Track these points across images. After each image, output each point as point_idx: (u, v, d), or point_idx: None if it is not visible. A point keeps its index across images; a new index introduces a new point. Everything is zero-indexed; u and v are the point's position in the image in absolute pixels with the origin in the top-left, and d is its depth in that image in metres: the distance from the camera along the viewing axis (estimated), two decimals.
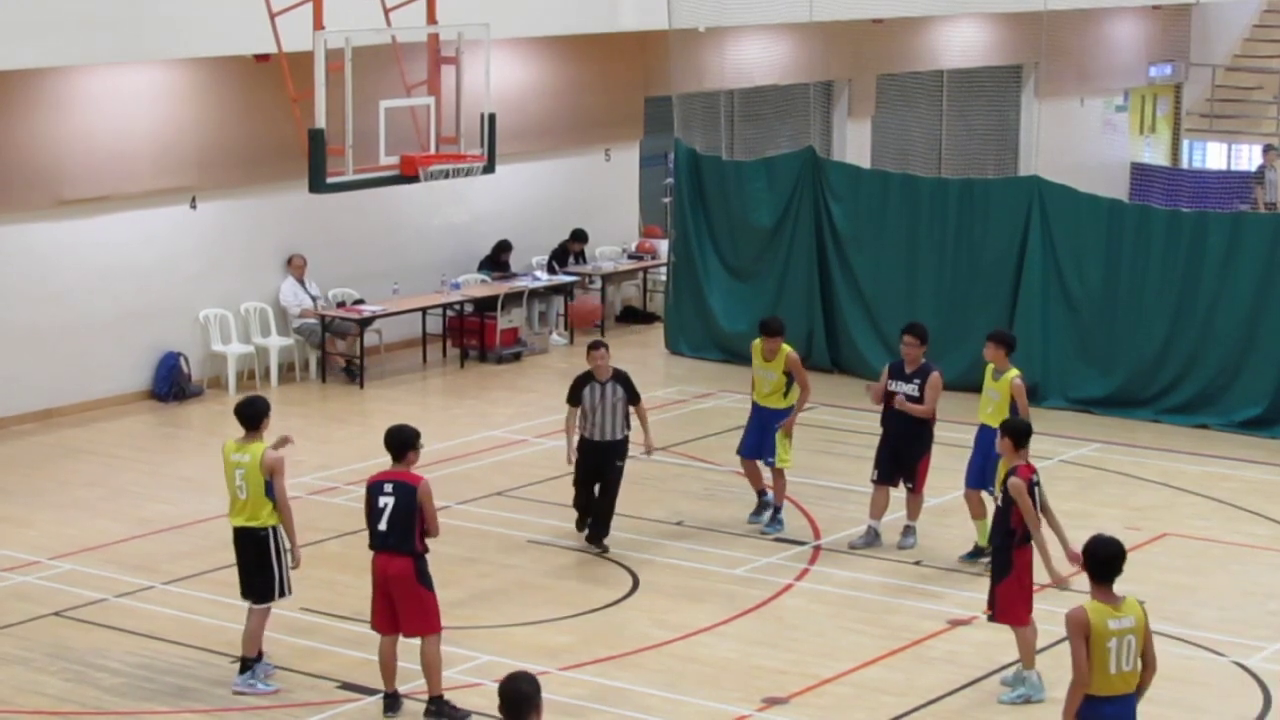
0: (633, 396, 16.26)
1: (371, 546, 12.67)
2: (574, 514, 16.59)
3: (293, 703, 13.06)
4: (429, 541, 12.66)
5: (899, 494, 16.55)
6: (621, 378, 16.25)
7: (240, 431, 13.40)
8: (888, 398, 16.29)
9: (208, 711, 12.95)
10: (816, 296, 23.38)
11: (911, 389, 16.17)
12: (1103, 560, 10.10)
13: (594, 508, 16.33)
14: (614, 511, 16.36)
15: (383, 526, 12.53)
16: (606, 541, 16.31)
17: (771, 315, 17.89)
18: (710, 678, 13.60)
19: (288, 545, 13.22)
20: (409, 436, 12.77)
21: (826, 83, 30.50)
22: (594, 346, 16.30)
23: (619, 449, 16.22)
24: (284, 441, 13.36)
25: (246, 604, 13.37)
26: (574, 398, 16.20)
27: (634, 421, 16.35)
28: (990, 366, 15.96)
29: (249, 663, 13.23)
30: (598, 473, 16.22)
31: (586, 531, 16.42)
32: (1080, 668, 10.04)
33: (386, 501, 12.53)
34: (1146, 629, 10.15)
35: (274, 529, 13.17)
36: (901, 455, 16.29)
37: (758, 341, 16.99)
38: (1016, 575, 13.05)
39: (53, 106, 20.50)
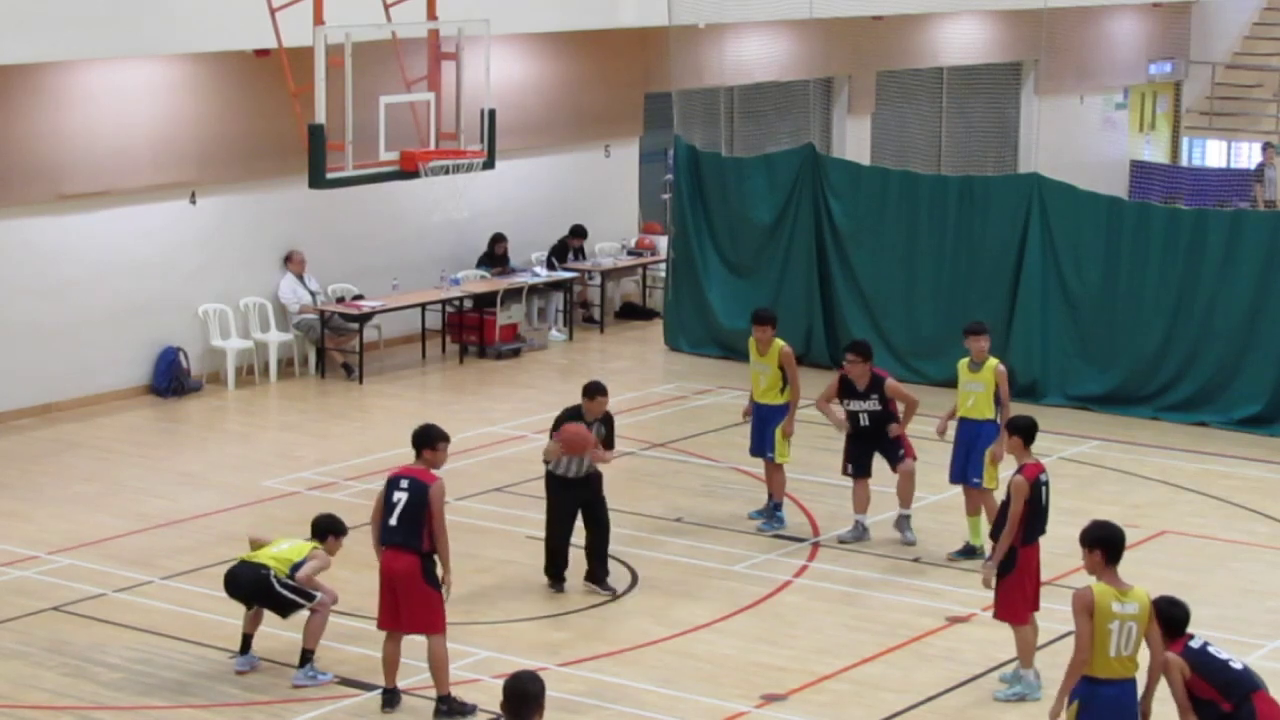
0: (610, 442, 15.48)
1: (381, 541, 12.68)
2: None
3: (291, 698, 13.06)
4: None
5: (881, 488, 16.54)
6: (608, 420, 15.53)
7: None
8: (853, 418, 16.39)
9: (206, 706, 12.95)
10: (816, 293, 23.38)
11: (872, 404, 16.25)
12: (1106, 541, 10.33)
13: (595, 545, 15.43)
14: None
15: (393, 521, 12.54)
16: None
17: (763, 307, 17.76)
18: (709, 674, 13.60)
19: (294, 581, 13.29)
20: (428, 433, 12.72)
21: (826, 79, 30.49)
22: (601, 391, 15.36)
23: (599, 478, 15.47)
24: None
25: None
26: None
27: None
28: (965, 360, 16.03)
29: (308, 655, 13.30)
30: (586, 508, 15.34)
31: (585, 572, 15.41)
32: (1083, 646, 10.22)
33: (400, 497, 12.56)
34: (1150, 622, 10.30)
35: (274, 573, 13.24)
36: (880, 441, 16.36)
37: (752, 338, 17.01)
38: (1019, 574, 13.04)
39: (53, 101, 20.49)
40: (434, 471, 12.65)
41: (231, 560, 13.76)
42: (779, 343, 16.82)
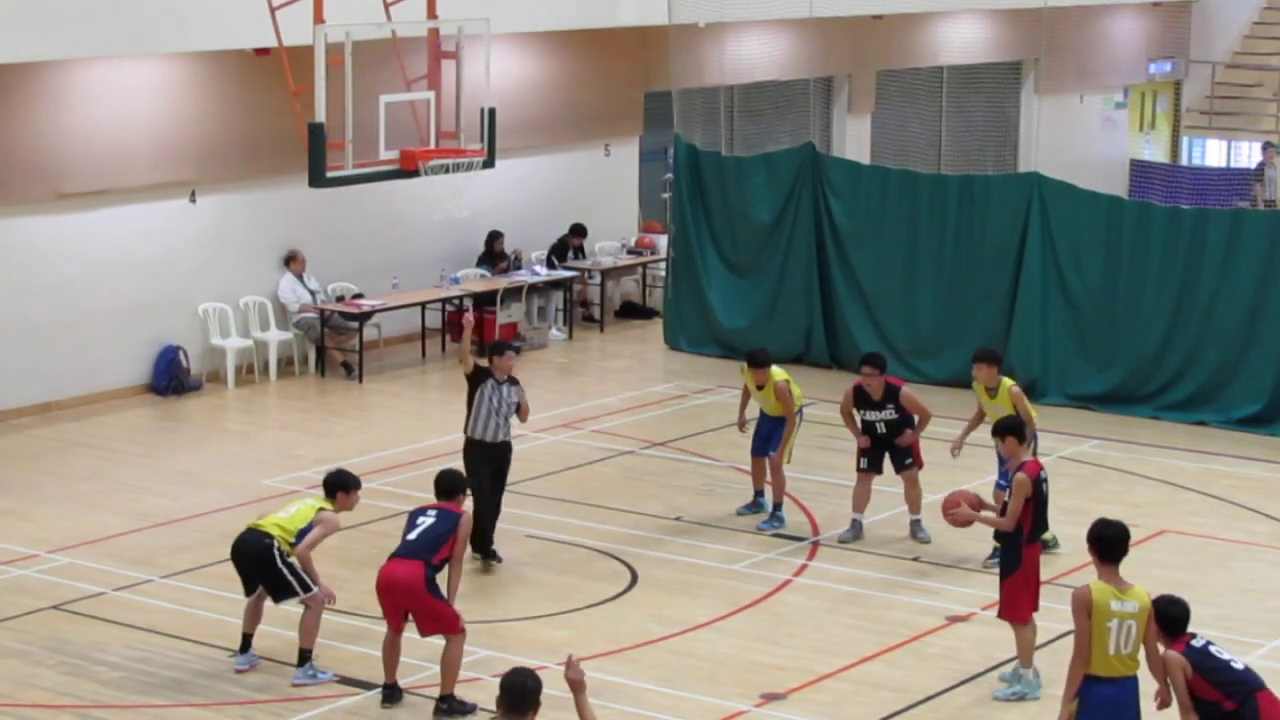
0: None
1: (392, 553, 12.75)
2: (576, 509, 16.49)
3: (291, 697, 13.07)
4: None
5: (882, 488, 16.54)
6: (515, 381, 15.95)
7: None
8: (869, 428, 16.40)
9: (205, 705, 12.95)
10: (816, 292, 23.38)
11: (888, 413, 16.30)
12: (1105, 540, 10.37)
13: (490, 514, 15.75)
14: None
15: (412, 536, 12.73)
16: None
17: (758, 347, 17.54)
18: (708, 673, 13.60)
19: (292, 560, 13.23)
20: (458, 481, 13.13)
21: (826, 78, 30.48)
22: (508, 349, 16.07)
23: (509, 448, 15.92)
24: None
25: (246, 599, 13.49)
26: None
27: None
28: (981, 385, 16.04)
29: (306, 655, 13.30)
30: (493, 477, 15.75)
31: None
32: (1082, 645, 10.24)
33: (425, 521, 12.81)
34: (1149, 621, 10.32)
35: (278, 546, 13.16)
36: (893, 445, 16.41)
37: (745, 367, 17.02)
38: (1024, 572, 13.05)
39: (53, 100, 20.49)
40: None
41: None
42: (775, 377, 16.77)
